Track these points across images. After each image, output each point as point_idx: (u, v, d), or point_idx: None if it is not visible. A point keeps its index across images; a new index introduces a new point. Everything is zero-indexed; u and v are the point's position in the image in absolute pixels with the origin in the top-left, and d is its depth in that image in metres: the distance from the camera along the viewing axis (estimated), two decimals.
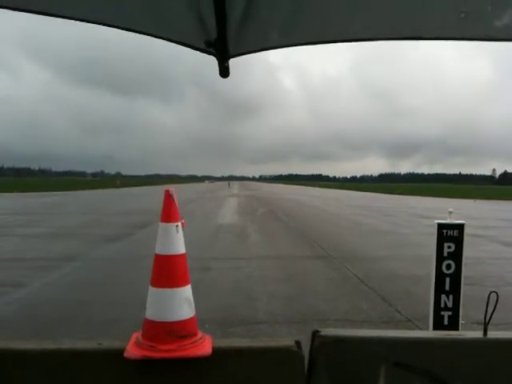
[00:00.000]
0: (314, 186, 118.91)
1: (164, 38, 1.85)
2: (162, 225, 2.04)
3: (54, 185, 75.20)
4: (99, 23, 1.76)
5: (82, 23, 1.77)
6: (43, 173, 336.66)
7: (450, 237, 4.33)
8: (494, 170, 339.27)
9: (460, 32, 1.74)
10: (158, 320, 1.98)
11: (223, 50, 1.85)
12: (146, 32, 1.83)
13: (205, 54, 1.85)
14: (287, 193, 61.88)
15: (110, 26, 1.79)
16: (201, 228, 16.12)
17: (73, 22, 1.76)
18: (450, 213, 4.43)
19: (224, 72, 1.91)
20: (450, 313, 4.34)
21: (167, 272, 2.02)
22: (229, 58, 1.89)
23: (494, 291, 2.12)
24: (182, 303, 2.01)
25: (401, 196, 55.51)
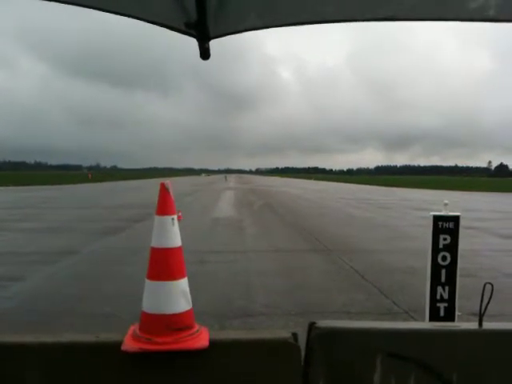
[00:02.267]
0: (311, 178, 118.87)
1: (144, 20, 1.85)
2: (157, 218, 2.04)
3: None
4: (78, 4, 1.75)
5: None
6: (39, 166, 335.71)
7: (446, 229, 4.34)
8: (489, 162, 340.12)
9: (435, 13, 1.75)
10: (155, 313, 1.99)
11: (203, 32, 1.86)
12: (127, 13, 1.83)
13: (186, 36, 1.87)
14: (283, 185, 61.88)
15: (89, 7, 1.78)
16: (197, 221, 16.12)
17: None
18: (446, 205, 4.45)
19: (204, 54, 1.92)
20: (445, 304, 4.37)
21: (163, 265, 2.02)
22: (209, 40, 1.90)
23: (489, 282, 2.14)
24: (178, 296, 2.02)
25: (397, 188, 55.63)
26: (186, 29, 1.83)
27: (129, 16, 1.83)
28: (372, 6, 1.76)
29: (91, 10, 1.79)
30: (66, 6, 1.73)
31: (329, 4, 1.79)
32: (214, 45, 1.92)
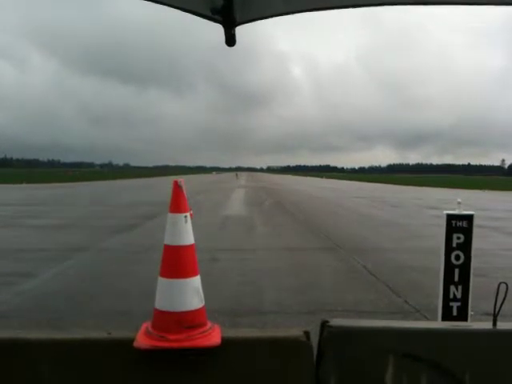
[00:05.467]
0: (321, 177, 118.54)
1: (170, 5, 1.83)
2: (170, 215, 2.04)
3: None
4: None
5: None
6: (52, 164, 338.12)
7: (459, 227, 4.30)
8: (503, 160, 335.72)
9: None
10: (168, 310, 1.99)
11: (229, 18, 1.83)
12: None
13: (211, 23, 1.84)
14: (294, 184, 61.83)
15: None
16: (209, 219, 16.14)
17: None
18: (459, 203, 4.40)
19: (230, 40, 1.89)
20: (458, 304, 4.33)
21: (176, 263, 2.02)
22: (235, 26, 1.87)
23: (504, 282, 2.11)
24: (191, 294, 2.02)
25: (409, 187, 55.30)
26: (212, 14, 1.80)
27: (154, 1, 1.81)
28: None
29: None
30: None
31: None
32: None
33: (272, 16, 1.91)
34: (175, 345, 1.94)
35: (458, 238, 4.28)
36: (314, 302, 6.41)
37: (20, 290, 6.89)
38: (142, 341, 1.95)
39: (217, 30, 1.85)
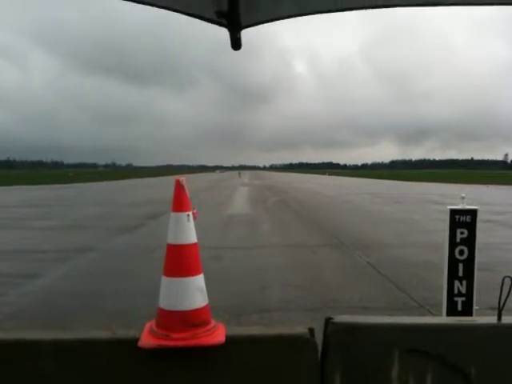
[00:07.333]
0: (324, 173, 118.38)
1: (175, 10, 1.83)
2: (173, 214, 2.04)
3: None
4: None
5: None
6: (55, 165, 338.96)
7: (463, 222, 4.29)
8: (506, 154, 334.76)
9: None
10: (172, 309, 2.00)
11: (235, 21, 1.83)
12: (157, 4, 1.81)
13: (217, 29, 1.84)
14: (298, 181, 61.72)
15: None
16: (213, 218, 16.14)
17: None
18: (463, 198, 4.39)
19: (236, 44, 1.89)
20: (463, 298, 4.32)
21: (179, 261, 2.03)
22: (241, 29, 1.87)
23: (509, 276, 2.11)
24: (194, 292, 2.02)
25: (412, 183, 55.23)
26: (217, 18, 1.80)
27: (157, 6, 1.81)
28: None
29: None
30: None
31: None
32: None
33: (278, 19, 1.91)
34: (180, 343, 1.94)
35: (462, 233, 4.28)
36: (319, 299, 6.41)
37: (26, 291, 6.91)
38: (146, 340, 1.95)
39: (221, 31, 1.85)
